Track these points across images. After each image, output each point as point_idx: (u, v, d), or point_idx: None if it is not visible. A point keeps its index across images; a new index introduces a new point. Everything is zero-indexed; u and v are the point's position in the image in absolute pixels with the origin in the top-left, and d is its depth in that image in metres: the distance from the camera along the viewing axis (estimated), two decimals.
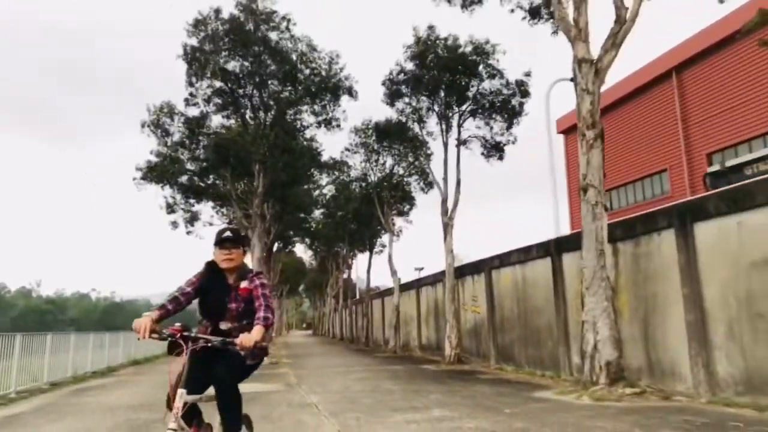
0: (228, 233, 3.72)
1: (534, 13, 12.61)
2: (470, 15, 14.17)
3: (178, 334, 3.29)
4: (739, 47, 22.43)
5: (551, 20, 12.18)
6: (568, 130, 33.08)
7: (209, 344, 3.34)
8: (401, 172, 25.24)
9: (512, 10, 12.82)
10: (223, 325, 3.61)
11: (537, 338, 12.75)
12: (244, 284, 3.67)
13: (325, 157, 25.88)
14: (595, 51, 10.12)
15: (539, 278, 12.75)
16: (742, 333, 7.46)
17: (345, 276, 48.75)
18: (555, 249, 12.12)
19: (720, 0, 4.13)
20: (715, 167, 11.11)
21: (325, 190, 34.09)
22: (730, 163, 10.78)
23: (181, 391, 3.16)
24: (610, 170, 30.61)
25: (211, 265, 3.72)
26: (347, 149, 25.12)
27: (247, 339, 3.24)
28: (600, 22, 11.68)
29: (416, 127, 18.96)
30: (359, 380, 12.28)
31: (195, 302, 3.70)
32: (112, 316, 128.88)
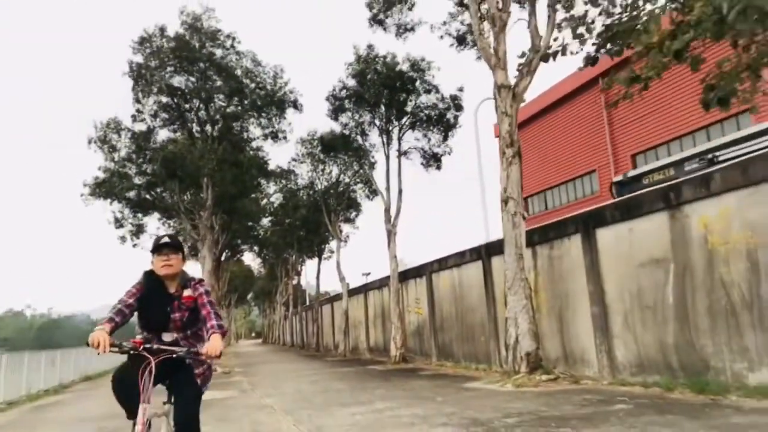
0: (166, 239, 3.63)
1: (461, 41, 13.89)
2: (404, 42, 15.32)
3: (140, 347, 3.26)
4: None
5: (476, 47, 13.49)
6: None
7: (174, 356, 3.30)
8: (347, 180, 26.19)
9: (441, 37, 14.05)
10: (167, 336, 3.52)
11: (472, 335, 13.98)
12: (187, 293, 3.58)
13: (272, 166, 26.58)
14: (513, 77, 11.40)
15: (473, 280, 13.98)
16: (634, 323, 8.81)
17: (295, 282, 49.18)
18: (485, 253, 13.37)
19: (611, 57, 5.12)
20: (620, 177, 12.62)
21: (272, 198, 34.72)
22: (631, 173, 12.27)
23: (144, 407, 3.12)
24: (545, 171, 32.82)
25: (149, 275, 3.61)
26: (294, 159, 25.90)
27: (213, 348, 3.24)
28: (520, 47, 12.96)
29: (359, 139, 19.97)
30: (311, 383, 13.13)
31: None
32: (49, 333, 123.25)
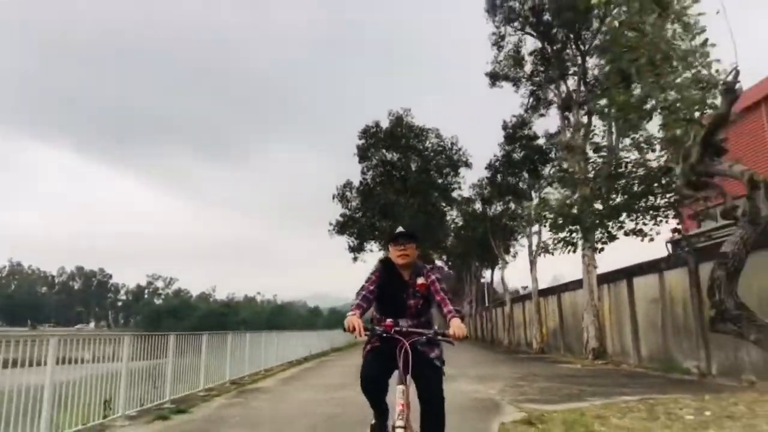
0: (401, 229, 3.82)
1: None
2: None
3: (392, 330, 3.39)
4: None
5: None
6: None
7: (424, 338, 3.44)
8: (509, 213, 33.66)
9: (558, 135, 21.08)
10: (403, 322, 3.60)
11: (579, 337, 20.86)
12: (420, 280, 3.71)
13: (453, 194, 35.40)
14: None
15: (579, 300, 20.84)
16: (649, 334, 15.43)
17: (488, 280, 57.33)
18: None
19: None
20: (669, 240, 18.33)
21: (456, 220, 43.55)
22: (675, 238, 18.02)
23: (401, 388, 3.21)
24: None
25: (385, 263, 3.83)
26: (469, 199, 34.23)
27: (460, 330, 3.31)
28: None
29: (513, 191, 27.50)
30: (474, 358, 21.34)
31: None
32: (276, 317, 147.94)
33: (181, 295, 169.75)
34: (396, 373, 3.39)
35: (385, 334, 3.40)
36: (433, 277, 3.73)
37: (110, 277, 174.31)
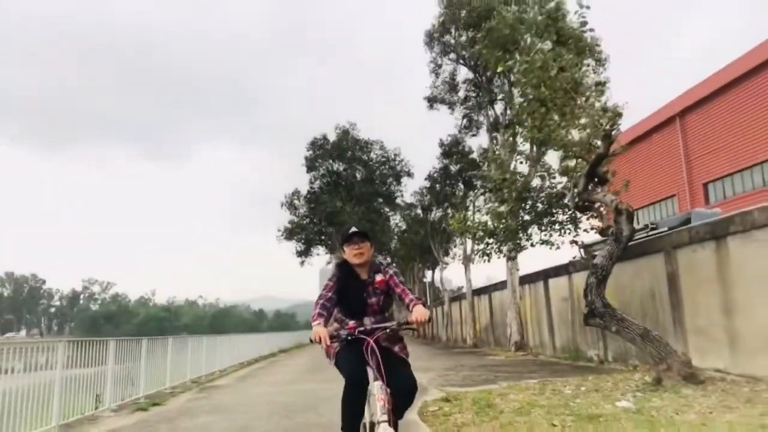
0: (354, 228, 3.87)
1: None
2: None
3: (356, 331, 3.52)
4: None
5: None
6: None
7: (388, 330, 3.61)
8: (448, 217, 36.00)
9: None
10: (367, 321, 3.76)
11: (506, 332, 23.24)
12: (379, 277, 3.83)
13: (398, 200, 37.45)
14: None
15: (504, 300, 23.23)
16: (561, 328, 17.82)
17: (429, 280, 59.83)
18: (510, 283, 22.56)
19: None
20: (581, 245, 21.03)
21: (400, 223, 45.67)
22: (587, 243, 20.68)
23: (378, 384, 3.33)
24: (629, 195, 38.81)
25: (342, 266, 3.91)
26: (412, 205, 36.36)
27: (421, 314, 3.47)
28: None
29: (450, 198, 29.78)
30: (413, 356, 23.27)
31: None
32: (219, 320, 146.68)
33: (119, 299, 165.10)
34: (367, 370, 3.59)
35: (350, 337, 3.52)
36: (391, 272, 3.87)
37: (43, 282, 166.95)
